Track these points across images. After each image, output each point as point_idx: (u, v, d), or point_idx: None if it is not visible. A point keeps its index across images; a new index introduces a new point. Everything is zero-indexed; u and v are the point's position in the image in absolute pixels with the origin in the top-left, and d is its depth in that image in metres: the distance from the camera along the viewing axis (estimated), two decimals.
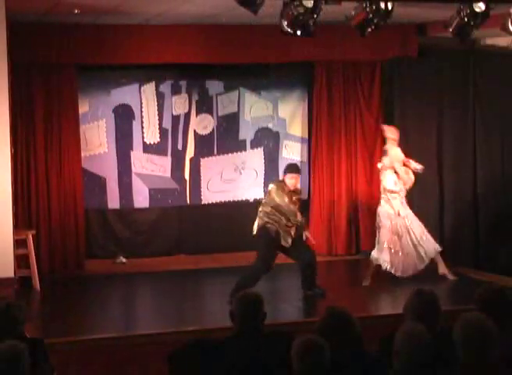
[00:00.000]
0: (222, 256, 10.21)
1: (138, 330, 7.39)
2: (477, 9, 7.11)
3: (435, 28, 9.92)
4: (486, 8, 7.10)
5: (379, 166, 9.04)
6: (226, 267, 9.70)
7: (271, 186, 8.17)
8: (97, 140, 10.36)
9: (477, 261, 10.00)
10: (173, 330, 7.12)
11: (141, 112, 10.48)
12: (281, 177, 8.63)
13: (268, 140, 10.98)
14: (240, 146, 10.89)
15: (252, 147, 10.91)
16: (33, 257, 9.00)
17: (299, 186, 8.40)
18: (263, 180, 10.92)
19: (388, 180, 8.88)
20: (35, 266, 9.02)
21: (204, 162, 10.78)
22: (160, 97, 10.53)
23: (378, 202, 9.14)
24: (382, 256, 8.71)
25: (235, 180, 10.82)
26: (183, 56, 9.91)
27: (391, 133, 9.03)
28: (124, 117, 10.44)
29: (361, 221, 10.78)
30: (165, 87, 10.56)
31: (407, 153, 10.65)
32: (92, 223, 10.38)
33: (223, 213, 10.75)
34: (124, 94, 10.41)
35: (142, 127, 10.50)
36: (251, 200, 10.83)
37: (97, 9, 8.70)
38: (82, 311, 8.13)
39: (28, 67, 9.54)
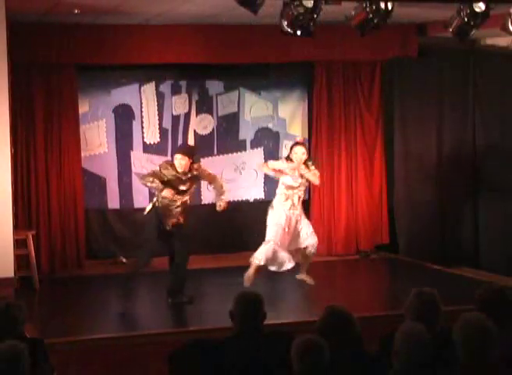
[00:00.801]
0: (222, 256, 10.21)
1: (138, 330, 7.40)
2: (477, 9, 7.11)
3: (435, 28, 9.92)
4: (486, 8, 7.10)
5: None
6: (226, 267, 9.70)
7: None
8: (97, 140, 10.36)
9: (477, 261, 9.99)
10: (173, 330, 7.13)
11: (141, 112, 10.48)
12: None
13: (268, 140, 10.98)
14: (240, 146, 10.89)
15: (252, 147, 10.91)
16: (33, 257, 9.01)
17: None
18: (263, 180, 10.92)
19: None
20: (35, 266, 9.02)
21: (204, 162, 10.73)
22: (160, 97, 10.53)
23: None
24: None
25: (235, 180, 10.81)
26: (183, 56, 9.91)
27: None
28: (124, 117, 10.44)
29: (361, 221, 10.79)
30: (165, 87, 10.56)
31: (407, 152, 10.70)
32: (92, 223, 10.37)
33: (223, 213, 10.71)
34: (124, 94, 10.41)
35: (142, 127, 10.50)
36: (251, 200, 10.84)
37: (97, 9, 8.69)
38: (82, 311, 8.12)
39: (28, 67, 9.54)
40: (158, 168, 8.13)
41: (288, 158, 8.51)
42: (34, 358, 4.06)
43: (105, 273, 9.69)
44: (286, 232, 8.45)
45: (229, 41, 9.93)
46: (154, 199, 8.19)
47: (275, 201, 8.59)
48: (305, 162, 8.48)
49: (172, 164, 8.05)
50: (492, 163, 9.98)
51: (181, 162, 7.97)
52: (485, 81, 10.02)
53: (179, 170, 7.99)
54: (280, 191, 8.56)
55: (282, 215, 8.45)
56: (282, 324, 6.85)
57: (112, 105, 10.38)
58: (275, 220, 8.45)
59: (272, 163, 8.69)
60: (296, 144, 8.63)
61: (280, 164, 8.56)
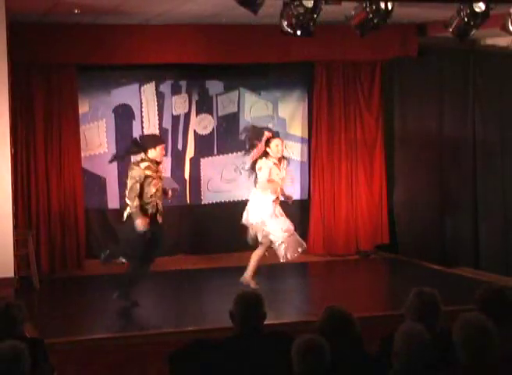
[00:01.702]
0: (221, 256, 10.21)
1: (138, 330, 7.40)
2: (477, 9, 7.11)
3: (435, 28, 9.92)
4: (486, 8, 7.10)
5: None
6: (226, 267, 9.70)
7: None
8: (97, 140, 10.36)
9: (477, 261, 9.99)
10: (173, 330, 7.12)
11: (141, 112, 10.48)
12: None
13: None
14: (240, 146, 10.87)
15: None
16: (33, 257, 9.01)
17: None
18: None
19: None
20: (35, 266, 9.02)
21: (204, 162, 10.78)
22: (160, 97, 10.53)
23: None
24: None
25: (235, 180, 10.81)
26: (183, 56, 9.91)
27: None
28: (124, 117, 10.44)
29: (361, 221, 10.79)
30: (165, 87, 10.56)
31: (407, 152, 10.70)
32: (92, 223, 10.37)
33: (223, 213, 10.74)
34: (124, 94, 10.41)
35: (142, 127, 10.50)
36: None
37: (98, 9, 8.69)
38: (82, 311, 8.13)
39: (28, 67, 9.53)
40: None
41: (264, 155, 8.54)
42: (34, 358, 4.06)
43: (105, 273, 9.67)
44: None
45: (229, 41, 9.93)
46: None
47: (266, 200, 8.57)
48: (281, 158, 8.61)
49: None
50: (493, 163, 9.98)
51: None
52: (484, 81, 10.02)
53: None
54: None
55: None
56: (282, 324, 6.85)
57: (112, 105, 10.38)
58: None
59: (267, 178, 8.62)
60: (272, 137, 8.65)
61: (268, 171, 8.54)
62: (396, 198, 10.83)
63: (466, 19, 7.20)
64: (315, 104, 10.73)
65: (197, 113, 10.71)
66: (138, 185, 7.81)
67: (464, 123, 10.25)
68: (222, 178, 10.85)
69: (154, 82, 10.49)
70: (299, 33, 6.97)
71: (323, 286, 9.18)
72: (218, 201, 10.85)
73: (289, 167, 8.91)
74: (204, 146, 10.74)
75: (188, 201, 10.71)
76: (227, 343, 4.34)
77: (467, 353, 3.76)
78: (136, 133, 10.49)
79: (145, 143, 8.14)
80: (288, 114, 11.04)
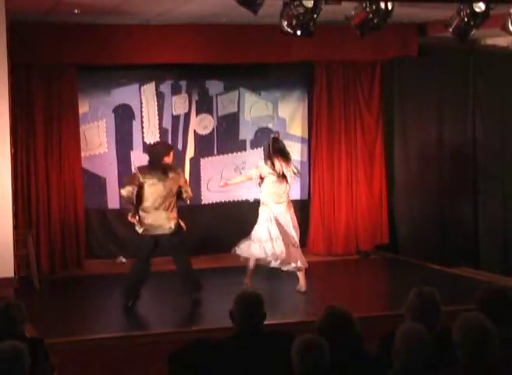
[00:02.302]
0: (222, 256, 10.20)
1: (138, 330, 7.40)
2: (477, 9, 7.11)
3: (435, 28, 9.92)
4: (486, 8, 7.10)
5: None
6: (226, 267, 9.70)
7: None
8: (97, 140, 10.36)
9: (477, 261, 10.00)
10: (173, 330, 7.12)
11: (141, 112, 10.48)
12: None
13: (268, 140, 10.97)
14: (240, 146, 10.90)
15: (252, 147, 10.92)
16: (33, 257, 9.02)
17: None
18: None
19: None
20: (35, 266, 9.03)
21: (204, 162, 10.78)
22: (160, 97, 10.53)
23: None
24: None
25: None
26: (183, 56, 9.91)
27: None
28: (124, 117, 10.44)
29: (361, 221, 10.78)
30: (165, 87, 10.56)
31: (407, 152, 10.71)
32: (92, 223, 10.37)
33: (223, 213, 10.75)
34: (124, 94, 10.41)
35: (142, 127, 10.51)
36: (251, 200, 10.82)
37: (98, 9, 8.70)
38: (82, 311, 8.13)
39: (28, 67, 9.53)
40: None
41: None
42: (34, 358, 4.06)
43: (105, 273, 9.68)
44: None
45: (229, 41, 9.93)
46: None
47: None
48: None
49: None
50: (492, 163, 9.99)
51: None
52: (485, 81, 10.03)
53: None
54: None
55: None
56: (282, 324, 6.85)
57: (112, 105, 10.38)
58: None
59: None
60: None
61: None
62: (396, 198, 10.83)
63: (466, 19, 7.21)
64: (315, 104, 10.73)
65: (197, 113, 10.71)
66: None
67: (464, 123, 10.27)
68: (222, 178, 10.84)
69: (154, 82, 10.49)
70: (299, 33, 6.97)
71: (323, 286, 9.17)
72: (218, 201, 10.85)
73: None
74: (204, 146, 10.74)
75: (188, 201, 10.69)
76: (227, 343, 4.34)
77: (466, 353, 3.76)
78: (136, 134, 10.53)
79: (158, 152, 8.08)
80: (288, 114, 11.04)
